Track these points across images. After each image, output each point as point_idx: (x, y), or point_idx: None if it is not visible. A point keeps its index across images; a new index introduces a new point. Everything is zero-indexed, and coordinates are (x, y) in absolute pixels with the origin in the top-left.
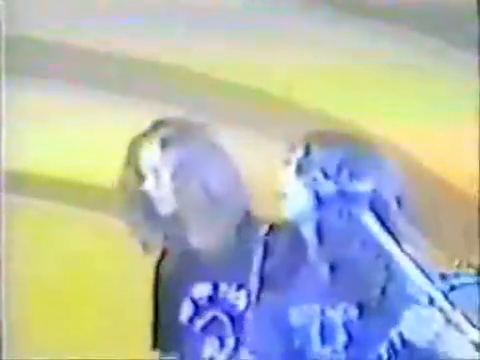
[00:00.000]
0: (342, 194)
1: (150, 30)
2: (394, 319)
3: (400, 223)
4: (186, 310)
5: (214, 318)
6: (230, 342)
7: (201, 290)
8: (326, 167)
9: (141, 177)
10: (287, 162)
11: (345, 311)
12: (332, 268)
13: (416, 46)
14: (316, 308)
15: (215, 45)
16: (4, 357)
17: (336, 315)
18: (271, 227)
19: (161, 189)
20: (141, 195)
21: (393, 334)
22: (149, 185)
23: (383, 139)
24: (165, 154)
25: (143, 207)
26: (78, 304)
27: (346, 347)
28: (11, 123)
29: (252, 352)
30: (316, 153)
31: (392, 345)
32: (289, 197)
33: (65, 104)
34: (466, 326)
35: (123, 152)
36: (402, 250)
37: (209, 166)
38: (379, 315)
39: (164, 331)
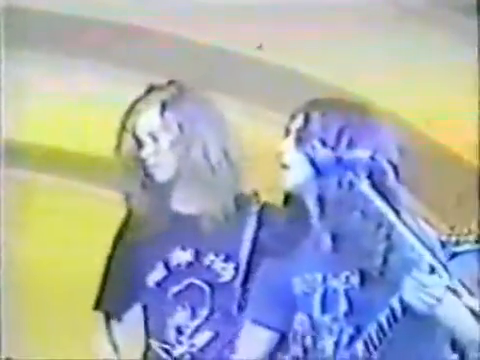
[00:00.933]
0: (339, 162)
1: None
2: (395, 287)
3: (398, 191)
4: (156, 274)
5: (189, 285)
6: (203, 313)
7: (180, 256)
8: (325, 136)
9: (139, 143)
10: (287, 132)
11: (347, 279)
12: (334, 237)
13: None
14: (318, 277)
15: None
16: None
17: (338, 283)
18: (265, 202)
19: (160, 155)
20: (137, 162)
21: (394, 301)
22: (148, 151)
23: (380, 107)
24: (164, 119)
25: (138, 174)
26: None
27: (346, 315)
28: (10, 95)
29: (254, 321)
30: (315, 122)
31: (392, 312)
32: (290, 167)
33: (64, 75)
34: (465, 294)
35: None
36: (401, 219)
37: (209, 132)
38: (381, 283)
39: (118, 292)
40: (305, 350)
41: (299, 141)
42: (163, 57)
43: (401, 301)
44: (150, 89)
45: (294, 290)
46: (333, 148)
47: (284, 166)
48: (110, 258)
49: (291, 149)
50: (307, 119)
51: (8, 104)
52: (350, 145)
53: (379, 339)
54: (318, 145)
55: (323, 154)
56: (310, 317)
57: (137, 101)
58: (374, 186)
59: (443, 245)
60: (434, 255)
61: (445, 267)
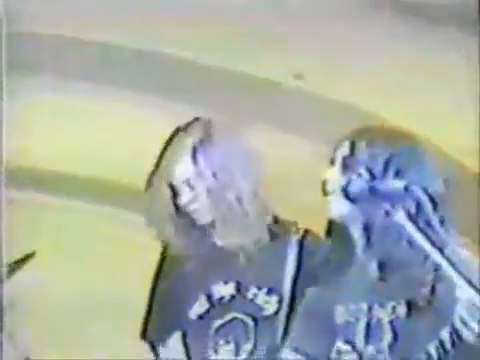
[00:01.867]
0: (375, 192)
1: (152, 23)
2: (443, 318)
3: (435, 223)
4: (199, 307)
5: (233, 320)
6: (247, 347)
7: (222, 290)
8: (372, 165)
9: (174, 191)
10: (332, 160)
11: (393, 309)
12: (380, 267)
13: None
14: (363, 306)
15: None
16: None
17: (384, 314)
18: (306, 231)
19: (197, 202)
20: (174, 207)
21: (443, 333)
22: (185, 199)
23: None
24: (197, 166)
25: (176, 217)
26: (83, 299)
27: (391, 346)
28: (12, 119)
29: (295, 349)
30: (362, 151)
31: (441, 344)
32: (334, 196)
33: (67, 100)
34: None
35: (123, 144)
36: (440, 250)
37: (241, 173)
38: (428, 314)
39: (162, 324)
40: None
41: (345, 169)
42: (176, 81)
43: (452, 332)
44: (176, 131)
45: (336, 319)
46: (377, 177)
47: (328, 194)
48: (153, 289)
49: (337, 177)
50: (353, 147)
51: (11, 128)
52: (396, 175)
53: None
54: (365, 174)
55: (360, 184)
56: (353, 347)
57: (166, 147)
58: (411, 217)
59: None
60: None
61: None
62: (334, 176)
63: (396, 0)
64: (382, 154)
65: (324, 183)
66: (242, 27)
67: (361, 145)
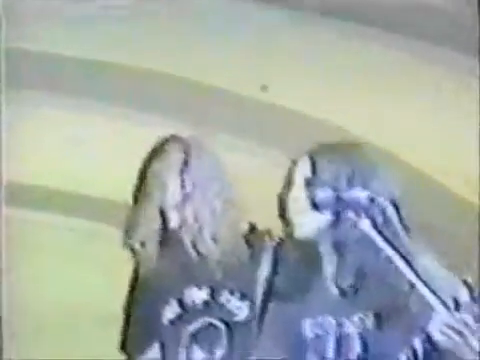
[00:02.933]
0: (339, 200)
1: (149, 40)
2: (417, 328)
3: (401, 234)
4: (170, 313)
5: (207, 325)
6: (220, 353)
7: (195, 294)
8: (336, 184)
9: (163, 215)
10: (290, 176)
11: (362, 321)
12: (350, 279)
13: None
14: (332, 320)
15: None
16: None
17: (352, 326)
18: (280, 240)
19: (186, 224)
20: (162, 231)
21: (416, 341)
22: (174, 224)
23: (380, 147)
24: (184, 189)
25: (161, 236)
26: (79, 318)
27: (360, 358)
28: (11, 136)
29: None
30: (324, 171)
31: (414, 353)
32: (300, 216)
33: (63, 116)
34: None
35: (120, 163)
36: (405, 259)
37: (215, 188)
38: (399, 324)
39: (140, 333)
40: None
41: (309, 190)
42: (165, 98)
43: (425, 340)
44: (155, 150)
45: (305, 333)
46: (334, 188)
47: (294, 214)
48: (129, 299)
49: (302, 198)
50: (314, 168)
51: (9, 145)
52: (351, 185)
53: None
54: (329, 190)
55: (324, 194)
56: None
57: (147, 164)
58: (376, 227)
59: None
60: (437, 296)
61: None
62: (298, 196)
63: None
64: (345, 170)
65: (285, 204)
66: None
67: (323, 165)
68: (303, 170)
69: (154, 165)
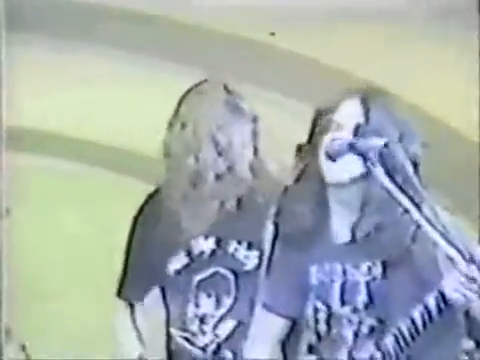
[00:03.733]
0: (352, 147)
1: None
2: (427, 283)
3: (414, 181)
4: (177, 262)
5: (214, 274)
6: (227, 302)
7: (202, 244)
8: (383, 133)
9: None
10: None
11: (369, 270)
12: (355, 229)
13: None
14: (338, 267)
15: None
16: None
17: (359, 275)
18: (286, 188)
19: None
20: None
21: (430, 299)
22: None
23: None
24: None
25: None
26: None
27: (367, 307)
28: (12, 81)
29: (265, 306)
30: (374, 120)
31: (427, 310)
32: (339, 161)
33: (66, 60)
34: None
35: (120, 107)
36: (418, 207)
37: (240, 133)
38: (406, 275)
39: (139, 280)
40: (319, 337)
41: (357, 137)
42: (170, 42)
43: (439, 297)
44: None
45: (311, 279)
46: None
47: (331, 158)
48: (130, 242)
49: (345, 145)
50: (367, 117)
51: (9, 88)
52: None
53: (411, 336)
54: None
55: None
56: (328, 307)
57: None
58: (389, 174)
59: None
60: (455, 246)
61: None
62: (342, 143)
63: None
64: (388, 120)
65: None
66: None
67: (373, 114)
68: (350, 118)
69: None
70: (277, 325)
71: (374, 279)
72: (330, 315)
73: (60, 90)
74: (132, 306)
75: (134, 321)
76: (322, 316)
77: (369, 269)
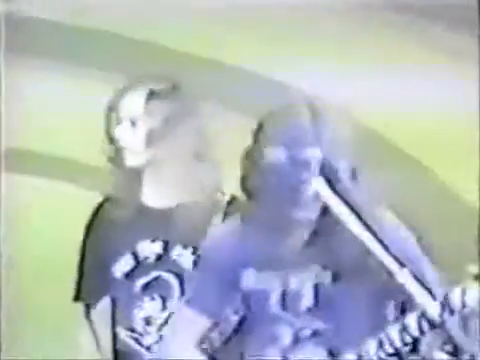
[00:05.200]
0: (292, 161)
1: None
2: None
3: (354, 192)
4: (123, 266)
5: (158, 278)
6: (173, 302)
7: (148, 248)
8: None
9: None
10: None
11: (316, 276)
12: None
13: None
14: (278, 274)
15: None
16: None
17: (306, 279)
18: (233, 196)
19: (135, 139)
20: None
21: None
22: (122, 131)
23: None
24: (149, 106)
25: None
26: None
27: (310, 310)
28: (10, 102)
29: (202, 310)
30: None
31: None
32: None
33: (62, 83)
34: None
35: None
36: (359, 218)
37: (189, 130)
38: (356, 281)
39: (92, 283)
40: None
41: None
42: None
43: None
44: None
45: (245, 283)
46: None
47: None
48: (83, 248)
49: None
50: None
51: (8, 111)
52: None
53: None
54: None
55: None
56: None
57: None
58: (330, 184)
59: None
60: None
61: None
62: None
63: None
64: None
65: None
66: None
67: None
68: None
69: None
70: (196, 322)
71: (322, 284)
72: (266, 317)
73: (61, 113)
74: (88, 308)
75: (91, 323)
76: (261, 317)
77: (316, 275)
